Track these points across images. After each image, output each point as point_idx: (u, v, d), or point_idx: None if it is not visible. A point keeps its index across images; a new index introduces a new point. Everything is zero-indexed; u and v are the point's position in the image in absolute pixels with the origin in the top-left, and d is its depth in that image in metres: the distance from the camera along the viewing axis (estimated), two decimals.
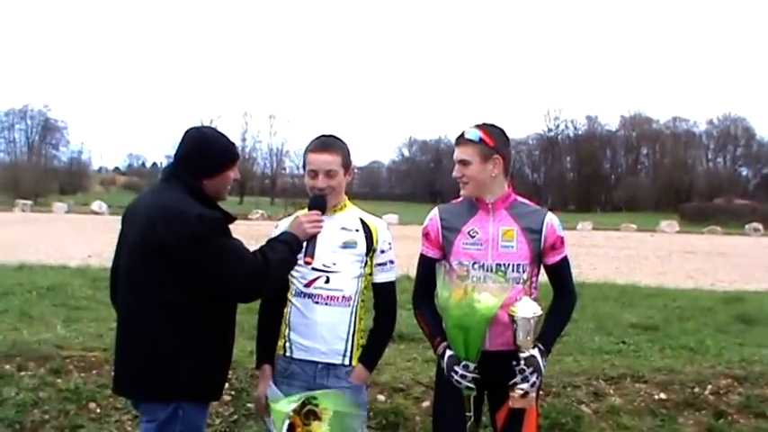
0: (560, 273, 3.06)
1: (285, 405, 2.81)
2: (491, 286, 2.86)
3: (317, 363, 2.97)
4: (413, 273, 3.22)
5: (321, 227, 2.92)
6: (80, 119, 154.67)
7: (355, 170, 3.21)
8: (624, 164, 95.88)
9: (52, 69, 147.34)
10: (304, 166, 3.05)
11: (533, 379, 2.83)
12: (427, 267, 3.05)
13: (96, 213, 42.30)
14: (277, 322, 3.06)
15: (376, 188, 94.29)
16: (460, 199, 3.09)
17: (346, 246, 3.00)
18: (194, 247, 2.65)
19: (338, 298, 2.97)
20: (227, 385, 4.10)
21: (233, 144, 2.98)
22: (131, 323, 2.79)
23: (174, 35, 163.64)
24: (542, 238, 2.98)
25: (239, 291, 2.79)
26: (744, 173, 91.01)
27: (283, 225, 3.05)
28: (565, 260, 3.06)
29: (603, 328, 7.24)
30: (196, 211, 2.68)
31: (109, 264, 3.08)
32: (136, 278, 2.75)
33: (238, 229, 2.95)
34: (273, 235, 2.98)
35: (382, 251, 3.06)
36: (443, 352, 2.94)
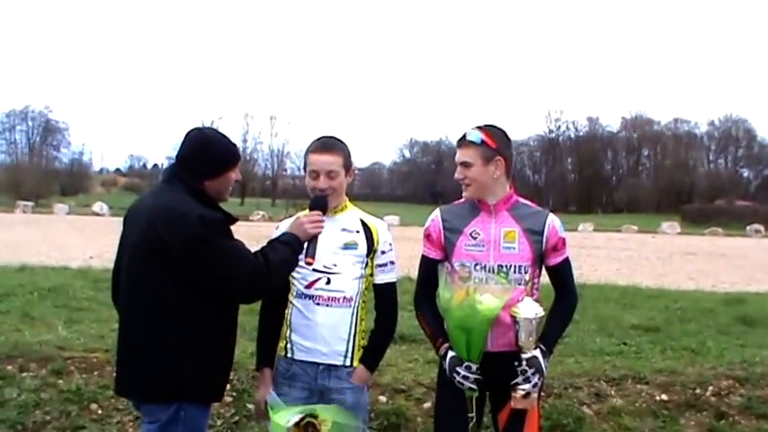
0: (562, 274, 3.06)
1: (284, 418, 2.79)
2: (493, 287, 2.86)
3: (318, 364, 2.96)
4: (414, 274, 3.22)
5: (322, 227, 2.93)
6: (81, 120, 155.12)
7: (356, 171, 3.21)
8: (625, 165, 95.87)
9: (53, 71, 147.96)
10: (305, 167, 3.04)
11: (535, 380, 2.83)
12: (429, 268, 3.05)
13: (97, 215, 42.39)
14: (278, 324, 3.06)
15: (377, 189, 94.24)
16: (462, 200, 3.08)
17: (347, 247, 3.00)
18: (196, 248, 2.65)
19: (339, 299, 2.96)
20: (228, 386, 4.10)
21: (234, 145, 2.99)
22: (133, 324, 2.79)
23: (176, 36, 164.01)
24: (544, 240, 2.98)
25: (241, 291, 2.79)
26: (745, 174, 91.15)
27: (284, 226, 3.05)
28: (566, 261, 3.06)
29: (605, 329, 7.24)
30: (198, 212, 2.68)
31: (110, 265, 3.08)
32: (137, 279, 2.76)
33: (239, 231, 2.95)
34: (274, 236, 2.98)
35: (383, 252, 3.06)
36: (445, 353, 2.94)
